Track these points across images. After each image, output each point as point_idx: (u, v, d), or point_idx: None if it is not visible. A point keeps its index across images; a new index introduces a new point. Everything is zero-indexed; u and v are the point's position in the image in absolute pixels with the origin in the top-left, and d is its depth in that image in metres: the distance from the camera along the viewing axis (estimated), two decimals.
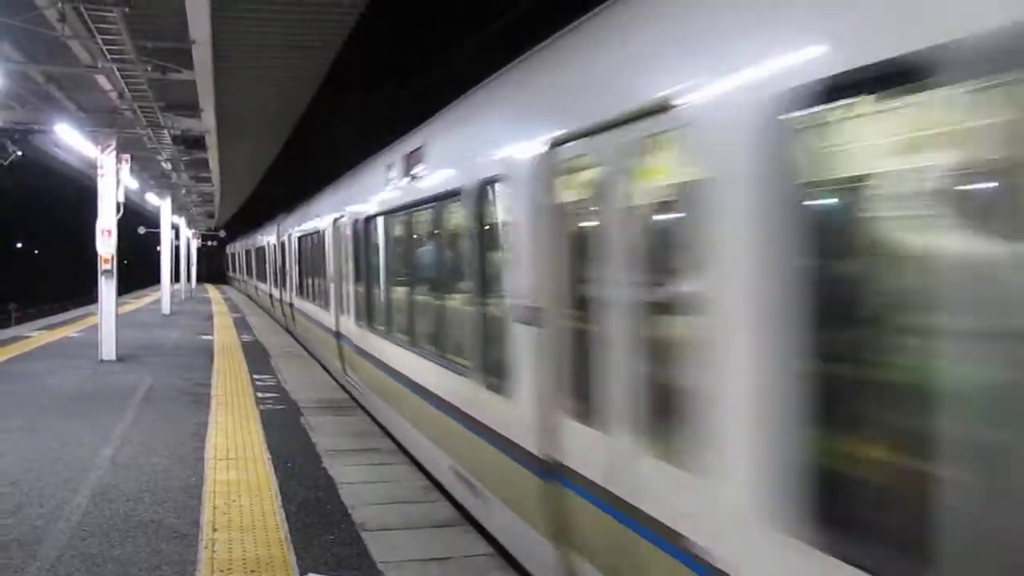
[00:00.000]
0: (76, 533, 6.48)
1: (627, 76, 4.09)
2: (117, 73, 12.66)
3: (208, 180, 31.25)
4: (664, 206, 3.81)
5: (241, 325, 26.59)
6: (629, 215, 3.99)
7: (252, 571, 5.78)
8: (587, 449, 4.42)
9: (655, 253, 3.84)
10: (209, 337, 22.25)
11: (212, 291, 54.31)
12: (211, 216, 55.13)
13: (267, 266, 29.17)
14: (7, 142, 16.80)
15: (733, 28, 3.27)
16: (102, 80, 14.30)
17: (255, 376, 14.88)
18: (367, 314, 10.84)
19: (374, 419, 10.96)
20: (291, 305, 21.53)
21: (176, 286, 39.83)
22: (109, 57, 11.68)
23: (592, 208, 4.40)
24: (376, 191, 10.30)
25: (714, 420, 3.27)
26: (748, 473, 3.06)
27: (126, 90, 13.92)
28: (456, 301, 6.99)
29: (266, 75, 15.09)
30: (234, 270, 61.33)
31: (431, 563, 5.97)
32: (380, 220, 10.08)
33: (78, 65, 13.32)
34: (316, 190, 17.82)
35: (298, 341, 20.92)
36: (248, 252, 40.76)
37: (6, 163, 17.42)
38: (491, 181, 5.77)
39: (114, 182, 16.69)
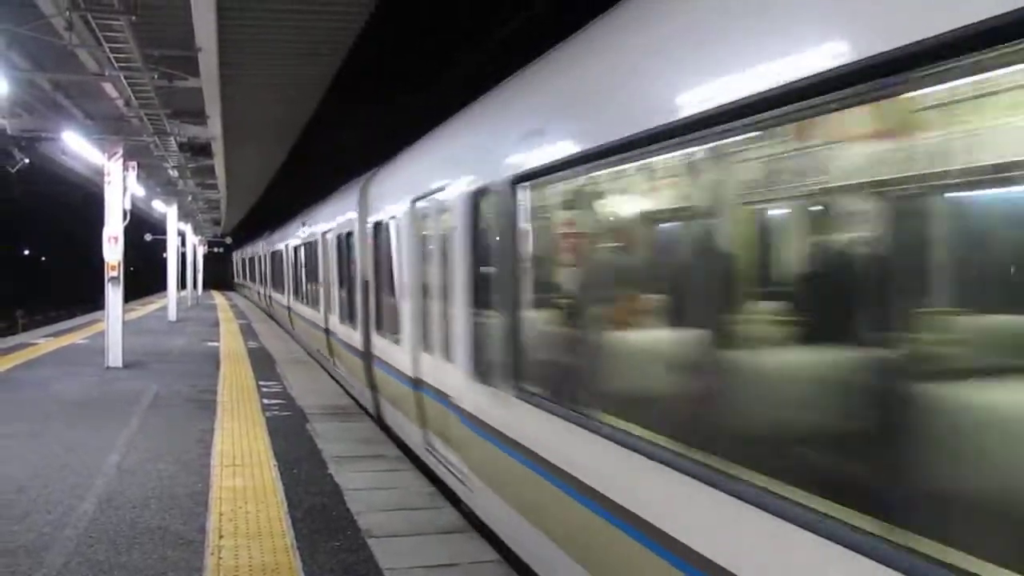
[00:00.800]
0: (83, 540, 6.50)
1: (322, 222, 16.55)
2: (124, 81, 12.72)
3: (214, 187, 31.32)
4: (350, 260, 12.98)
5: (247, 332, 26.66)
6: (340, 259, 14.06)
7: None
8: (338, 325, 14.41)
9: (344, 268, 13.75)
10: (215, 344, 22.31)
11: (218, 298, 54.39)
12: (217, 223, 55.24)
13: (256, 271, 41.74)
14: (15, 149, 16.89)
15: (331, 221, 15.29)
16: (109, 88, 14.36)
17: (261, 383, 14.92)
18: (298, 294, 21.53)
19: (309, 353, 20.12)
20: (269, 297, 32.75)
21: (182, 293, 39.92)
22: (116, 65, 11.72)
23: (324, 256, 15.96)
24: (296, 233, 21.44)
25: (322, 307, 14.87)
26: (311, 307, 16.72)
27: (133, 98, 13.98)
28: (315, 285, 17.24)
29: (272, 82, 15.15)
30: (238, 276, 61.82)
31: (437, 570, 5.97)
32: (303, 248, 19.92)
33: (85, 73, 13.38)
34: (296, 212, 25.54)
35: (272, 319, 31.84)
36: (245, 260, 54.10)
37: (14, 170, 17.51)
38: (315, 239, 16.82)
39: (121, 189, 16.74)
